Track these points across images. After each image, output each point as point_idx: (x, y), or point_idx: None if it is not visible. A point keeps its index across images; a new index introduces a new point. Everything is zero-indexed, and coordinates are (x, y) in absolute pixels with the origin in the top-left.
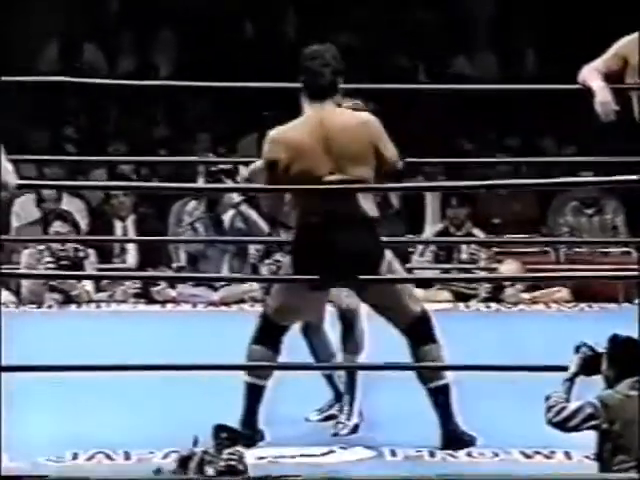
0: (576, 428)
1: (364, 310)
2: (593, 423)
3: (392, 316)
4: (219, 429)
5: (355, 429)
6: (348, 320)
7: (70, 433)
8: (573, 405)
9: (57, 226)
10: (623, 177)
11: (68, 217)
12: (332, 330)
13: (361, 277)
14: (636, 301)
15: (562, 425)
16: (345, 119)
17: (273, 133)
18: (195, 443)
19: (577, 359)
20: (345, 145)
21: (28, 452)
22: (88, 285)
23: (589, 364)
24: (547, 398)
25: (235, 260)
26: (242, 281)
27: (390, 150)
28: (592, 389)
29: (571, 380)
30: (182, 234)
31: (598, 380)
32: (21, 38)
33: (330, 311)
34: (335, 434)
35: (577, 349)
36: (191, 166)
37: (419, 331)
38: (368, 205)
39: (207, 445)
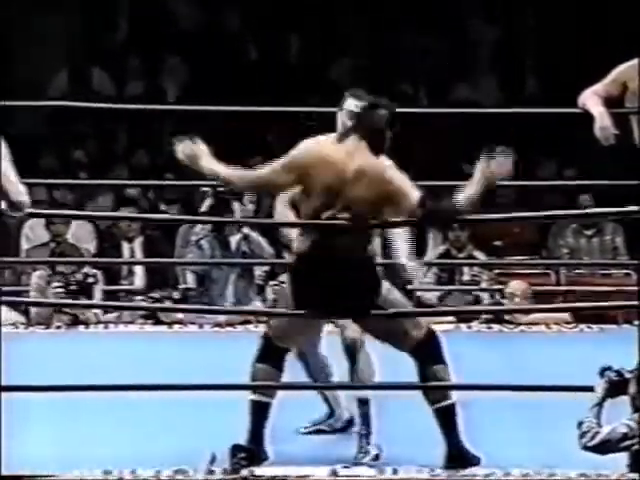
0: (612, 450)
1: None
2: (627, 443)
3: (393, 343)
4: (236, 449)
5: (376, 458)
6: (351, 353)
7: (76, 452)
8: (606, 428)
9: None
10: (625, 209)
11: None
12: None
13: (357, 310)
14: (636, 322)
15: (598, 449)
16: (367, 162)
17: (307, 149)
18: (212, 461)
19: (603, 383)
20: (357, 191)
21: (35, 470)
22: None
23: (616, 388)
24: (580, 424)
25: (240, 281)
26: (245, 307)
27: (408, 200)
28: (619, 412)
29: (599, 405)
30: (188, 253)
31: (624, 402)
32: (32, 63)
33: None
34: (357, 463)
35: (601, 373)
36: (197, 190)
37: (424, 353)
38: (369, 244)
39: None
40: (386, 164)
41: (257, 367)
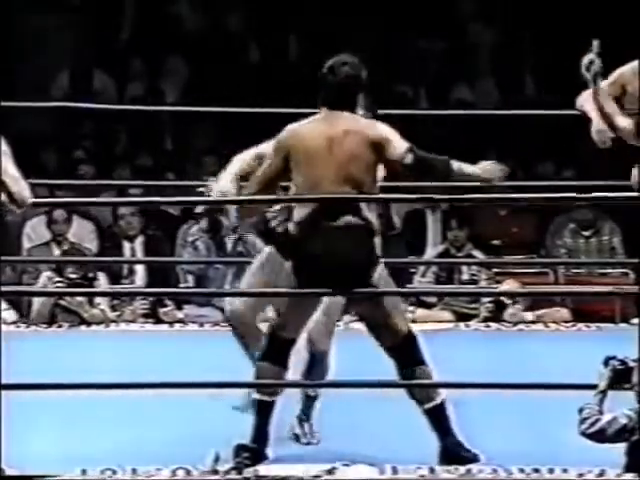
0: (610, 439)
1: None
2: (627, 434)
3: (381, 333)
4: (240, 449)
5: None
6: (317, 357)
7: (78, 450)
8: (607, 417)
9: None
10: (625, 194)
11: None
12: None
13: (357, 288)
14: (633, 321)
15: (596, 436)
16: (350, 122)
17: (288, 127)
18: (216, 460)
19: (608, 372)
20: (347, 149)
21: (37, 469)
22: (103, 304)
23: (620, 377)
24: (581, 410)
25: (237, 281)
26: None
27: (396, 147)
28: (622, 402)
29: (603, 392)
30: (185, 254)
31: (628, 392)
32: (34, 64)
33: None
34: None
35: (606, 362)
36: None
37: (406, 353)
38: (368, 213)
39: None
40: (370, 120)
41: (260, 365)
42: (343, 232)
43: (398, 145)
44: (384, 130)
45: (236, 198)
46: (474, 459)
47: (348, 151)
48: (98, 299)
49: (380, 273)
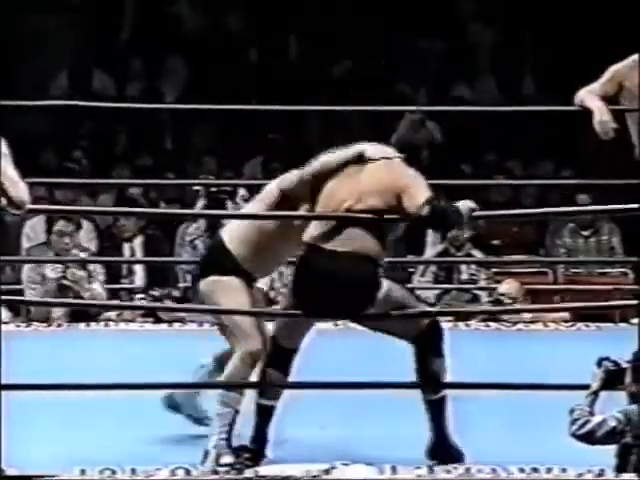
0: (600, 441)
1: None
2: (617, 437)
3: (397, 334)
4: (240, 449)
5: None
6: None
7: (78, 450)
8: (597, 418)
9: (60, 225)
10: (624, 206)
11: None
12: None
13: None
14: (633, 321)
15: (586, 438)
16: (382, 162)
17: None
18: (217, 459)
19: (600, 373)
20: (369, 182)
21: (37, 469)
22: (99, 288)
23: (612, 378)
24: (571, 411)
25: None
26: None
27: (413, 199)
28: (614, 403)
29: (595, 394)
30: (183, 253)
31: (620, 394)
32: (34, 63)
33: None
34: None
35: (599, 363)
36: (191, 189)
37: (427, 342)
38: (370, 243)
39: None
40: (402, 164)
41: (264, 370)
42: (343, 258)
43: (417, 196)
44: (408, 180)
45: (236, 213)
46: (460, 458)
47: (370, 184)
48: (94, 283)
49: (381, 294)
